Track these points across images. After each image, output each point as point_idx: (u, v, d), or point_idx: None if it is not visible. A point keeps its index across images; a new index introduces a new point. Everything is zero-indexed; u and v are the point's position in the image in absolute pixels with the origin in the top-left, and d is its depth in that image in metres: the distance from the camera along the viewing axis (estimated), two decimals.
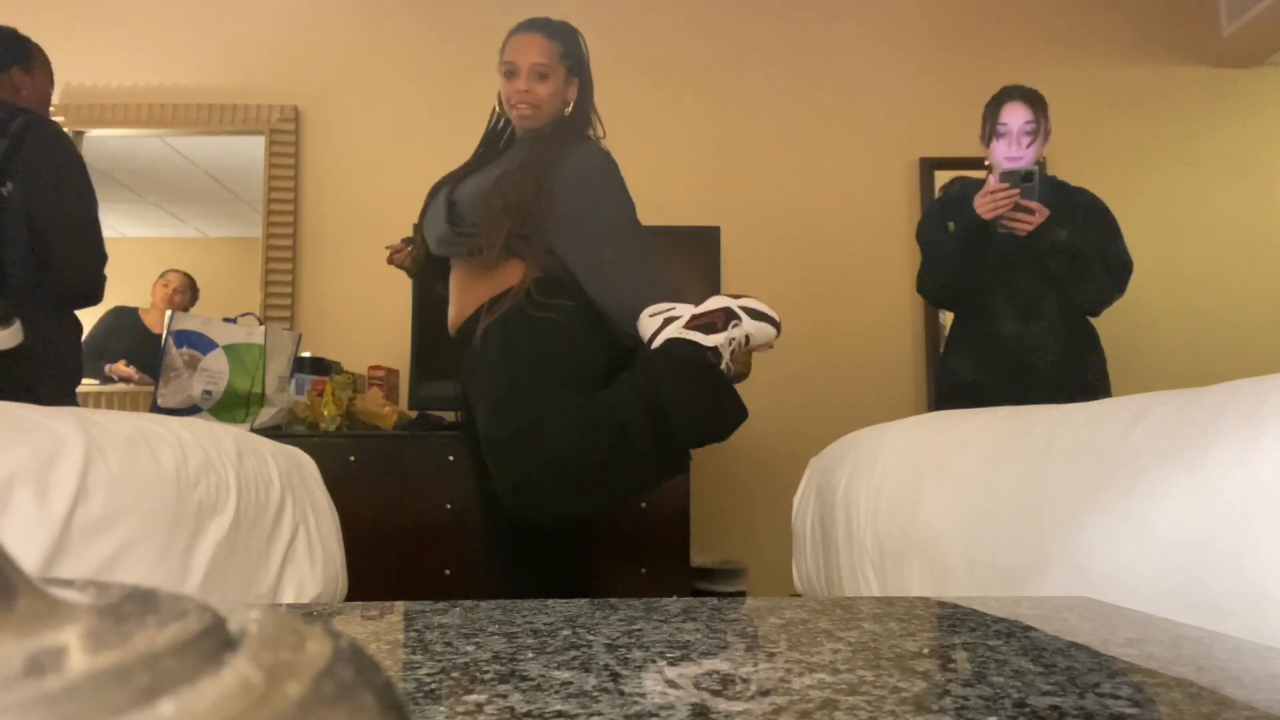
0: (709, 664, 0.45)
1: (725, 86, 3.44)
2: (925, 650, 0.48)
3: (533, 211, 1.69)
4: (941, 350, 2.63)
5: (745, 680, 0.42)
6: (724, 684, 0.41)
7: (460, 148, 3.61)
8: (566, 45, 1.81)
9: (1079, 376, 2.17)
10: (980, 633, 0.52)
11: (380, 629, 0.55)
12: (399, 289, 3.20)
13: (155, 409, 2.54)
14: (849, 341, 3.31)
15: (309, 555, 1.47)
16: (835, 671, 0.42)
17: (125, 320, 3.29)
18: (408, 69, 3.43)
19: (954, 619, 0.59)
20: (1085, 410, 1.01)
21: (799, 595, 1.93)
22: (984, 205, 2.10)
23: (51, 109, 3.30)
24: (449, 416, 2.94)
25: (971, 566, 1.05)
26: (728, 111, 3.43)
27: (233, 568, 1.26)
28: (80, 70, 3.40)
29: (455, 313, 1.80)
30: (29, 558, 0.91)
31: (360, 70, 3.44)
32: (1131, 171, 3.34)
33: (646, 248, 1.76)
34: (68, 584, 0.18)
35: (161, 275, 3.31)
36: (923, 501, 1.23)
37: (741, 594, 2.95)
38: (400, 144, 3.38)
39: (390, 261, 2.00)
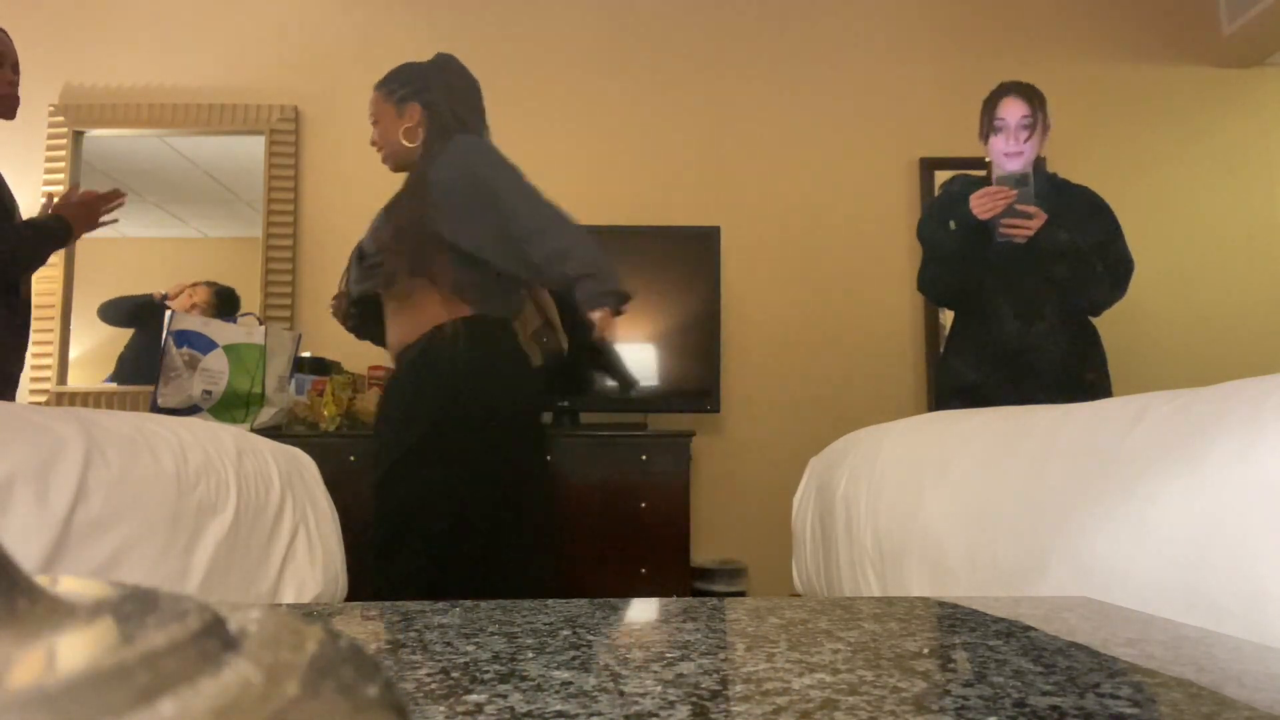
0: (709, 664, 0.45)
1: (725, 86, 3.44)
2: (925, 650, 0.48)
3: (421, 223, 1.83)
4: (942, 350, 2.64)
5: (745, 680, 0.42)
6: (724, 684, 0.41)
7: None
8: (390, 84, 2.01)
9: (1079, 377, 2.17)
10: (980, 633, 0.52)
11: (380, 629, 0.55)
12: None
13: (155, 409, 2.54)
14: (849, 341, 3.31)
15: (309, 555, 1.47)
16: (835, 671, 0.42)
17: (149, 314, 3.29)
18: None
19: (954, 619, 0.59)
20: (1085, 410, 1.01)
21: (799, 595, 1.92)
22: (979, 206, 2.11)
23: (50, 107, 3.32)
24: None
25: (971, 566, 1.05)
26: (728, 111, 3.43)
27: (233, 568, 1.26)
28: (80, 70, 3.41)
29: (393, 341, 1.95)
30: (29, 558, 0.91)
31: (360, 70, 3.43)
32: (1131, 171, 3.34)
33: (540, 196, 1.87)
34: (68, 584, 0.18)
35: (194, 284, 3.29)
36: (923, 501, 1.23)
37: (741, 594, 2.95)
38: None
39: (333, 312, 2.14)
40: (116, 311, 3.32)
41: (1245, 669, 0.45)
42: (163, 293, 3.28)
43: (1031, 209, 2.09)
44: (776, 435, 3.24)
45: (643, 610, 0.61)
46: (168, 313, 2.68)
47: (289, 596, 1.40)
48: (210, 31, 3.44)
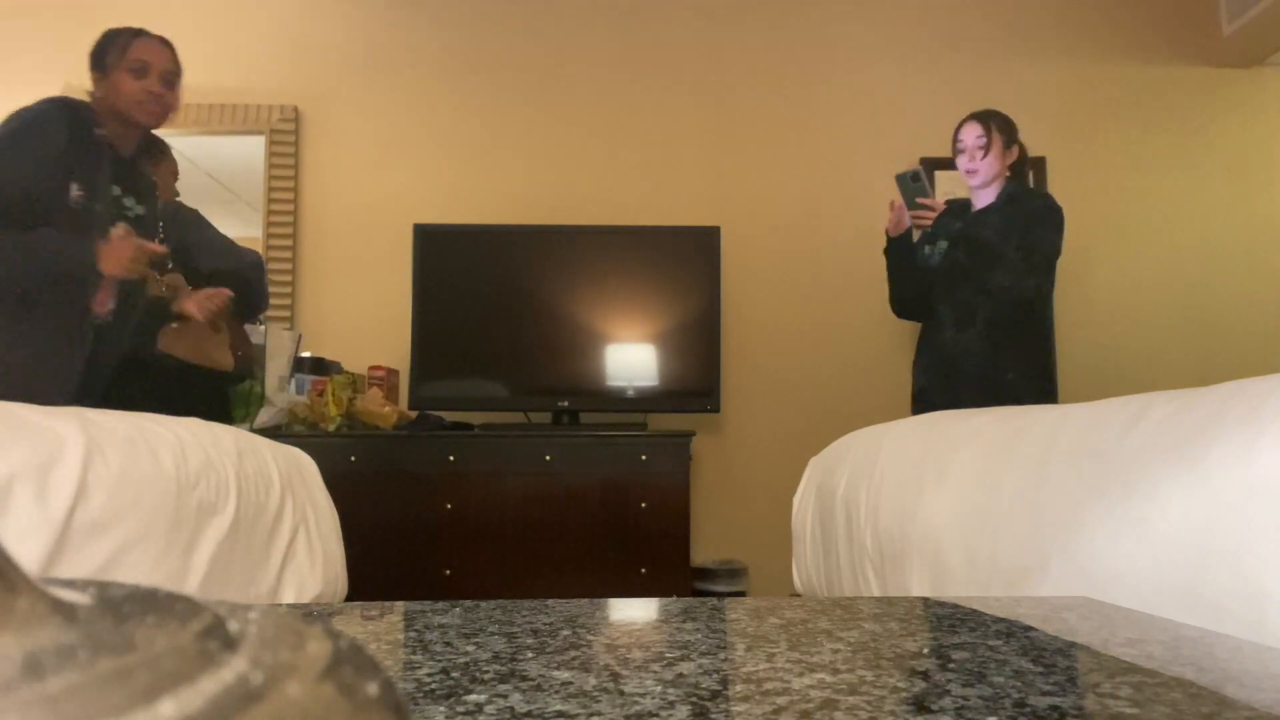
0: (709, 664, 0.45)
1: (725, 87, 3.44)
2: (925, 650, 0.48)
3: None
4: None
5: (745, 680, 0.42)
6: (724, 684, 0.41)
7: (459, 147, 3.61)
8: None
9: (998, 378, 2.32)
10: (980, 633, 0.52)
11: (380, 629, 0.55)
12: (399, 289, 3.20)
13: None
14: (849, 341, 3.31)
15: (309, 555, 1.47)
16: (835, 671, 0.42)
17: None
18: (408, 69, 3.43)
19: (954, 619, 0.59)
20: (1085, 410, 1.01)
21: (799, 595, 1.92)
22: (890, 225, 2.49)
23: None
24: (449, 416, 2.94)
25: (971, 566, 1.05)
26: (728, 111, 3.43)
27: (233, 568, 1.26)
28: (81, 70, 3.40)
29: None
30: (29, 558, 0.91)
31: (360, 70, 3.44)
32: (1131, 171, 3.34)
33: None
34: (68, 584, 0.18)
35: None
36: (923, 501, 1.23)
37: (741, 594, 2.95)
38: (400, 144, 3.38)
39: None
40: None
41: (1245, 669, 0.45)
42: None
43: (929, 200, 2.36)
44: (776, 435, 3.23)
45: (643, 610, 0.61)
46: None
47: (289, 596, 1.40)
48: (210, 31, 3.44)
